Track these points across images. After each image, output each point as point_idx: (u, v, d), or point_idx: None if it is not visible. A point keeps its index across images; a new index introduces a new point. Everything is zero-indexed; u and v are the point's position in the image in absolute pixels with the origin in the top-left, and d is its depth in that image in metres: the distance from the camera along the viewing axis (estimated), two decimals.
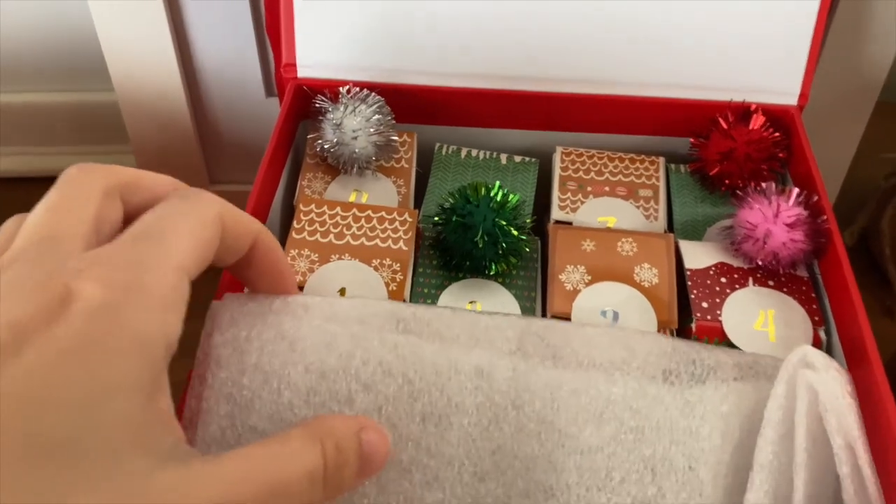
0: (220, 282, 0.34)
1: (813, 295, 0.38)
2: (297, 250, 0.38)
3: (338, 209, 0.40)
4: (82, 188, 0.23)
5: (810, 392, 0.29)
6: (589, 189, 0.43)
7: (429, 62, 0.45)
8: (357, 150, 0.42)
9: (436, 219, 0.39)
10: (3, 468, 0.17)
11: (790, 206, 0.38)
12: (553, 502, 0.27)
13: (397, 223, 0.39)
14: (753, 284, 0.38)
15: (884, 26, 0.55)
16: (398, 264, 0.38)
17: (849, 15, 0.54)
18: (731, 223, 0.40)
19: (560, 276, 0.38)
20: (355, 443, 0.23)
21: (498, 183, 0.39)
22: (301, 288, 0.37)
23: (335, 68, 0.45)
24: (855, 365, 0.35)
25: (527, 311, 0.38)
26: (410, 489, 0.27)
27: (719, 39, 0.44)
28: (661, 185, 0.44)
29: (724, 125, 0.43)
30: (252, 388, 0.27)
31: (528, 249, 0.39)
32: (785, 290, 0.38)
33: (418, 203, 0.43)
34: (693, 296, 0.37)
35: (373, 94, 0.43)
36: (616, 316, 0.37)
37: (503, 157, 0.45)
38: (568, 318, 0.37)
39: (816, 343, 0.36)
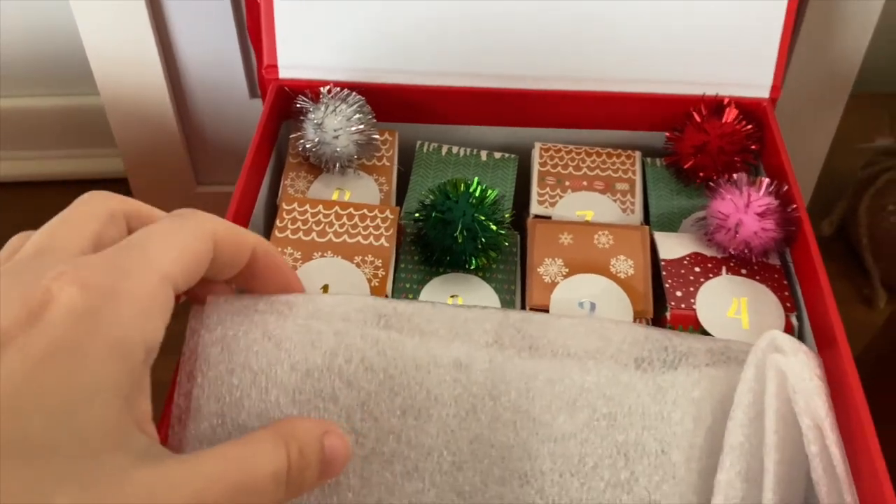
0: None
1: (785, 282, 0.39)
2: (280, 249, 0.39)
3: (320, 207, 0.40)
4: (89, 208, 0.25)
5: (779, 375, 0.30)
6: (567, 183, 0.44)
7: (408, 61, 0.46)
8: (339, 149, 0.43)
9: (416, 215, 0.40)
10: None
11: (760, 196, 0.39)
12: (528, 489, 0.28)
13: (379, 220, 0.40)
14: (726, 273, 0.39)
15: (857, 17, 0.56)
16: (380, 261, 0.39)
17: (821, 6, 0.55)
18: (704, 214, 0.41)
19: (538, 269, 0.39)
20: (318, 447, 0.24)
21: (477, 179, 0.40)
22: None
23: (316, 69, 0.46)
24: (824, 349, 0.36)
25: (507, 304, 0.39)
26: (392, 479, 0.28)
27: (692, 34, 0.45)
28: (638, 178, 0.45)
29: (698, 119, 0.44)
30: (241, 387, 0.28)
31: (507, 244, 0.40)
32: (757, 277, 0.39)
33: (400, 200, 0.44)
34: (668, 285, 0.38)
35: (353, 93, 0.44)
36: (593, 307, 0.38)
37: (483, 154, 0.46)
38: (546, 310, 0.38)
39: (788, 329, 0.37)
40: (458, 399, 0.29)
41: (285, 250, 0.39)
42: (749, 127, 0.44)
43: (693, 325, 0.37)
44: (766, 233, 0.39)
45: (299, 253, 0.39)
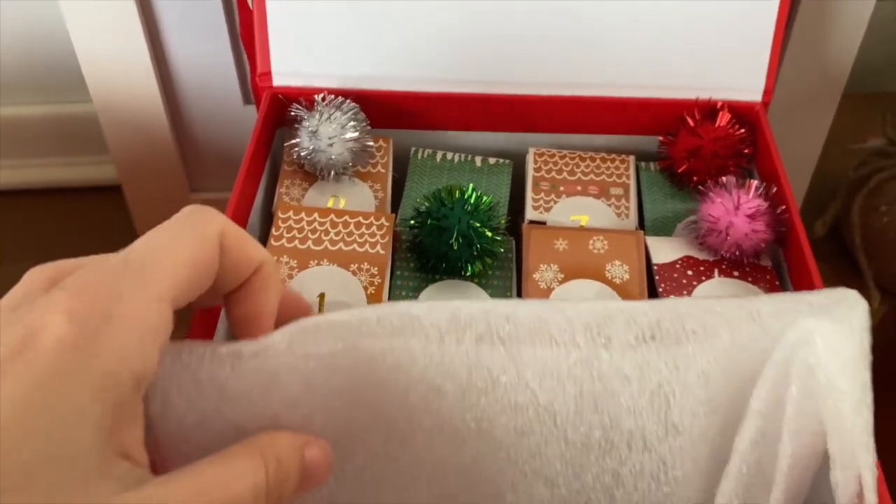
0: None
1: (777, 283, 0.39)
2: (276, 257, 0.39)
3: (315, 215, 0.40)
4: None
5: (807, 378, 0.27)
6: (562, 189, 0.44)
7: (402, 68, 0.46)
8: (333, 157, 0.43)
9: (411, 222, 0.40)
10: None
11: (750, 198, 0.39)
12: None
13: (374, 227, 0.40)
14: (719, 276, 0.39)
15: (847, 19, 0.56)
16: (376, 268, 0.39)
17: (813, 8, 0.56)
18: (695, 218, 0.41)
19: (534, 275, 0.39)
20: (297, 458, 0.24)
21: (472, 185, 0.40)
22: None
23: (310, 76, 0.46)
24: None
25: None
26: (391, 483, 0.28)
27: (685, 39, 0.45)
28: (632, 183, 0.45)
29: (691, 123, 0.44)
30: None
31: (502, 250, 0.40)
32: (750, 279, 0.39)
33: (395, 207, 0.44)
34: (661, 289, 0.38)
35: (347, 100, 0.44)
36: None
37: (478, 160, 0.46)
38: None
39: None
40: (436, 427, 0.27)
41: (281, 259, 0.39)
42: (742, 131, 0.44)
43: None
44: (756, 235, 0.39)
45: (295, 261, 0.39)
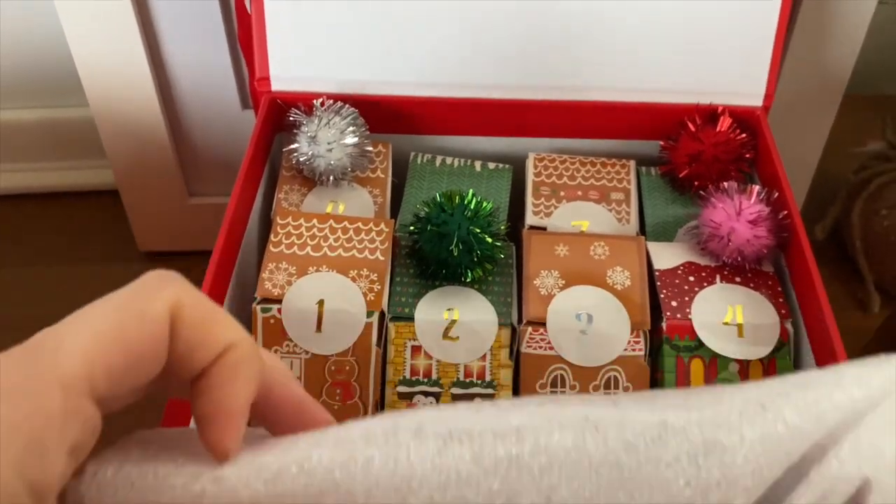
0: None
1: (779, 289, 0.39)
2: (274, 264, 0.39)
3: (314, 221, 0.40)
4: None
5: None
6: (562, 193, 0.44)
7: (401, 73, 0.46)
8: (332, 162, 0.42)
9: (411, 228, 0.40)
10: None
11: (752, 204, 0.39)
12: None
13: (374, 233, 0.40)
14: (721, 281, 0.39)
15: (848, 22, 0.56)
16: (375, 274, 0.39)
17: (813, 12, 0.55)
18: (697, 223, 0.41)
19: (535, 282, 0.39)
20: None
21: (472, 191, 0.40)
22: (279, 301, 0.38)
23: (309, 81, 0.46)
24: (821, 354, 0.36)
25: (503, 315, 0.38)
26: None
27: (686, 44, 0.45)
28: (633, 187, 0.45)
29: (692, 128, 0.44)
30: None
31: (502, 256, 0.40)
32: (752, 285, 0.39)
33: (395, 211, 0.44)
34: (662, 295, 0.38)
35: (346, 105, 0.44)
36: (591, 318, 0.38)
37: (477, 165, 0.46)
38: (543, 323, 0.38)
39: (784, 335, 0.37)
40: None
41: (280, 265, 0.39)
42: (743, 136, 0.44)
43: (689, 335, 0.37)
44: (758, 240, 0.39)
45: (294, 268, 0.39)
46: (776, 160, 0.42)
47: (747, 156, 0.44)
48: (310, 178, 0.44)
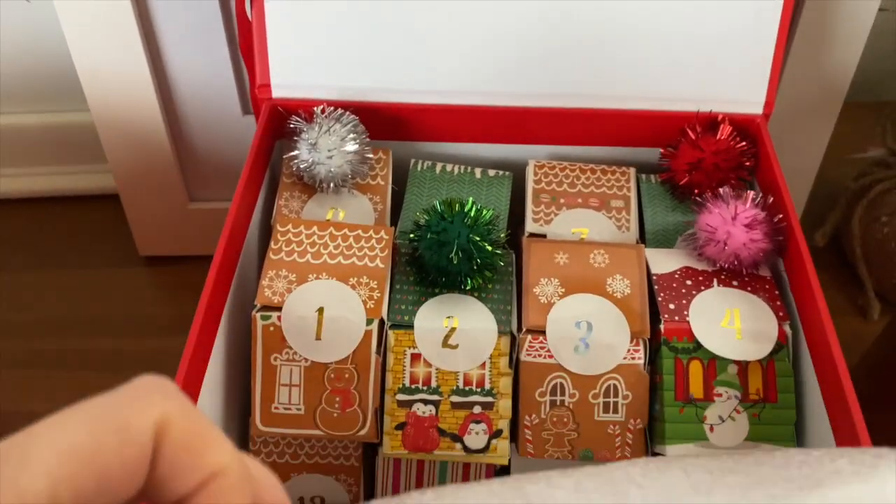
0: None
1: (777, 292, 0.39)
2: (274, 271, 0.39)
3: (314, 228, 0.40)
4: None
5: None
6: (562, 201, 0.44)
7: (402, 80, 0.46)
8: (333, 169, 0.43)
9: (411, 235, 0.40)
10: None
11: (747, 208, 0.39)
12: None
13: (374, 241, 0.40)
14: (718, 285, 0.39)
15: (848, 30, 0.56)
16: (375, 282, 0.39)
17: (813, 20, 0.55)
18: (694, 230, 0.41)
19: (534, 290, 0.39)
20: None
21: (471, 199, 0.40)
22: (279, 309, 0.38)
23: (309, 88, 0.46)
24: (819, 360, 0.36)
25: (503, 323, 0.38)
26: None
27: (686, 51, 0.45)
28: (633, 195, 0.45)
29: (693, 136, 0.44)
30: None
31: (502, 263, 0.40)
32: (749, 289, 0.39)
33: (395, 218, 0.44)
34: (660, 298, 0.38)
35: (347, 112, 0.44)
36: (590, 327, 0.38)
37: (477, 172, 0.46)
38: (542, 331, 0.38)
39: (782, 337, 0.37)
40: None
41: (280, 272, 0.39)
42: (743, 144, 0.44)
43: (687, 336, 0.37)
44: (754, 244, 0.39)
45: (294, 275, 0.39)
46: (776, 168, 0.42)
47: (747, 164, 0.44)
48: (310, 185, 0.44)
